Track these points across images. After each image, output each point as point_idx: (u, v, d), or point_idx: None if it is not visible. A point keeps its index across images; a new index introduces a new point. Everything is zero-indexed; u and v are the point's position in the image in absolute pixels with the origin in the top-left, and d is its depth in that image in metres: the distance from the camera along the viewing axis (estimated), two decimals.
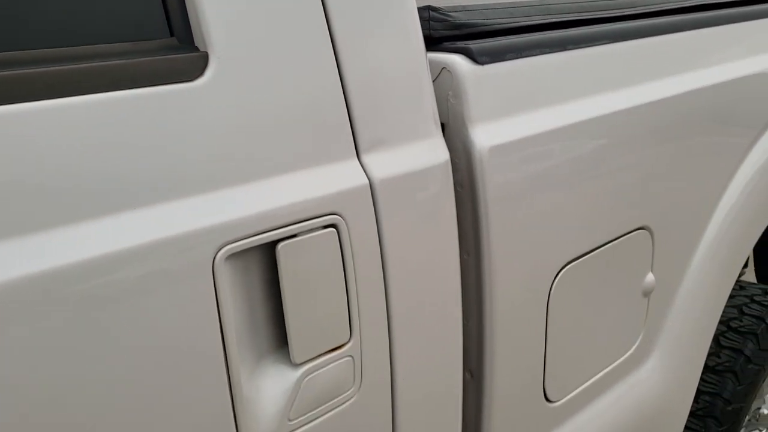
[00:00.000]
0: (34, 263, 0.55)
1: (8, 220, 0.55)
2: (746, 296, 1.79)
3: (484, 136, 0.92)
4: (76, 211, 0.58)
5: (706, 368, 1.62)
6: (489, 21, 1.02)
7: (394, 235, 0.80)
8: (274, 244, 0.70)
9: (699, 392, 1.60)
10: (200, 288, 0.64)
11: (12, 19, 0.59)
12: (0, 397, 0.54)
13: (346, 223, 0.75)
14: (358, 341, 0.78)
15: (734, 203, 1.40)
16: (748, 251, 1.49)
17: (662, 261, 1.24)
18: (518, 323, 1.01)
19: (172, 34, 0.67)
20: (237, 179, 0.67)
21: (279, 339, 0.73)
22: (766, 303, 1.76)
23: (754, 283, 1.88)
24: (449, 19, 0.99)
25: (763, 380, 1.72)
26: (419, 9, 1.00)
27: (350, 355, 0.77)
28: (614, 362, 1.20)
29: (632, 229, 1.15)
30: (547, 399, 1.09)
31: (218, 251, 0.65)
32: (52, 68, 0.59)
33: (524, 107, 0.98)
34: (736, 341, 1.67)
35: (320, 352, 0.74)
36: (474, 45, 0.94)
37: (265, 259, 0.71)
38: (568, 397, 1.12)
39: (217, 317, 0.66)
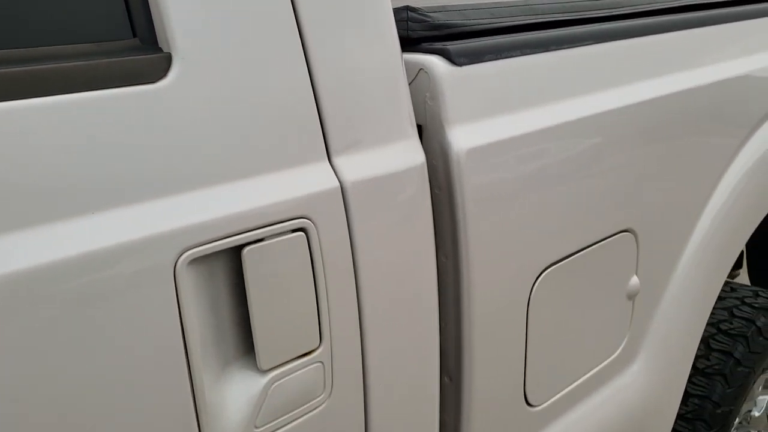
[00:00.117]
0: None
1: None
2: (737, 298, 1.78)
3: (461, 138, 0.91)
4: (31, 215, 0.57)
5: (696, 371, 1.61)
6: (469, 21, 1.01)
7: (366, 239, 0.79)
8: (240, 248, 0.69)
9: (688, 395, 1.59)
10: (161, 293, 0.63)
11: None
12: None
13: (316, 227, 0.73)
14: (329, 347, 0.77)
15: (722, 205, 1.39)
16: (736, 253, 1.48)
17: (647, 264, 1.23)
18: (497, 327, 1.00)
19: (134, 35, 0.66)
20: (200, 182, 0.66)
21: (246, 345, 0.72)
22: (756, 305, 1.75)
23: (745, 285, 1.86)
24: (428, 19, 0.97)
25: (753, 383, 1.71)
26: (397, 9, 0.99)
27: (320, 361, 0.76)
28: (598, 366, 1.19)
29: (615, 231, 1.14)
30: (528, 403, 1.08)
31: (180, 256, 0.64)
32: (8, 69, 0.58)
33: (504, 109, 0.97)
34: (725, 344, 1.65)
35: (288, 358, 0.73)
36: (452, 46, 0.93)
37: (231, 263, 0.70)
38: (550, 401, 1.11)
39: (179, 323, 0.65)
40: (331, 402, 0.78)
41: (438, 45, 0.94)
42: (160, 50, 0.66)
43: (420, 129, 0.93)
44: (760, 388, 1.87)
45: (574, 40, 1.06)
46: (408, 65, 0.93)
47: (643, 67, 1.15)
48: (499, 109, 0.96)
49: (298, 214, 0.72)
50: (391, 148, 0.84)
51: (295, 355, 0.74)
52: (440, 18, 0.98)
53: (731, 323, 1.70)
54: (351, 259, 0.78)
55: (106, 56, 0.63)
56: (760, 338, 1.69)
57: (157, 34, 0.66)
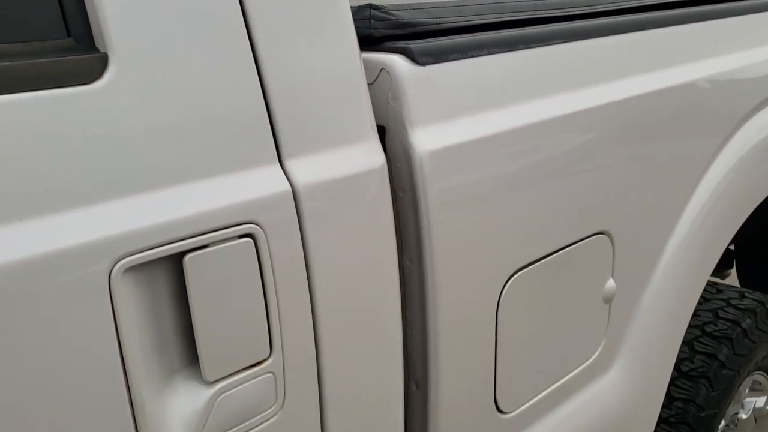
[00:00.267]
0: None
1: None
2: (722, 299, 1.76)
3: (424, 139, 0.89)
4: None
5: (679, 373, 1.58)
6: (435, 20, 0.99)
7: (322, 244, 0.77)
8: (183, 255, 0.66)
9: (672, 398, 1.57)
10: (94, 304, 0.61)
11: None
12: None
13: (265, 233, 0.71)
14: (280, 357, 0.74)
15: (703, 205, 1.36)
16: (718, 254, 1.46)
17: (624, 266, 1.21)
18: (465, 332, 0.97)
19: (69, 35, 0.64)
20: (138, 187, 0.63)
21: (192, 355, 0.70)
22: (742, 307, 1.72)
23: (731, 286, 1.84)
24: (391, 17, 0.95)
25: (739, 385, 1.68)
26: (360, 7, 0.96)
27: (271, 372, 0.73)
28: (573, 371, 1.16)
29: (589, 234, 1.12)
30: (499, 410, 1.05)
31: (114, 264, 0.61)
32: None
33: (470, 109, 0.94)
34: (710, 346, 1.63)
35: (236, 369, 0.71)
36: (414, 45, 0.90)
37: (174, 271, 0.67)
38: (522, 408, 1.08)
39: (115, 335, 0.62)
40: (284, 414, 0.76)
41: (401, 44, 0.91)
42: (96, 50, 0.64)
43: (383, 130, 0.91)
44: (747, 391, 1.85)
45: (544, 38, 1.04)
46: (370, 65, 0.90)
47: (615, 66, 1.13)
48: (464, 110, 0.94)
49: (245, 219, 0.69)
50: (348, 151, 0.81)
51: (243, 366, 0.71)
52: (404, 16, 0.96)
53: (716, 325, 1.68)
54: (304, 266, 0.75)
55: (38, 56, 0.61)
56: (746, 340, 1.67)
57: (93, 33, 0.64)
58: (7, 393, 0.57)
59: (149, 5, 0.65)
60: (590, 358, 1.20)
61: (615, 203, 1.15)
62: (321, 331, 0.78)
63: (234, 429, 0.72)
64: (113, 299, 0.61)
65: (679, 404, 1.57)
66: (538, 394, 1.10)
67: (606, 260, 1.17)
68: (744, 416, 1.86)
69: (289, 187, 0.73)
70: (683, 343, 1.60)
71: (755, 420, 1.89)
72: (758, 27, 1.50)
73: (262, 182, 0.71)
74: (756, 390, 1.89)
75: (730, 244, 2.26)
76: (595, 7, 1.17)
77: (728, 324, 1.67)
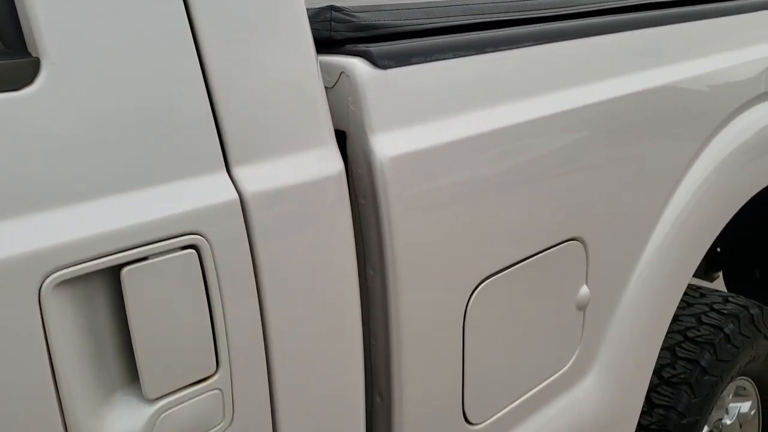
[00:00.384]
0: None
1: None
2: (706, 304, 1.73)
3: (385, 145, 0.86)
4: None
5: (661, 380, 1.56)
6: (399, 22, 0.96)
7: (273, 255, 0.74)
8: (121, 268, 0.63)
9: (652, 405, 1.55)
10: (23, 320, 0.58)
11: None
12: None
13: (210, 243, 0.68)
14: (228, 372, 0.71)
15: (681, 210, 1.34)
16: (698, 259, 1.43)
17: (598, 273, 1.18)
18: (430, 342, 0.95)
19: None
20: (71, 198, 0.61)
21: (133, 372, 0.67)
22: (725, 311, 1.70)
23: (716, 290, 1.82)
24: (353, 19, 0.92)
25: (721, 391, 1.66)
26: (321, 9, 0.94)
27: (218, 388, 0.71)
28: (546, 380, 1.14)
29: (561, 240, 1.09)
30: (467, 421, 1.03)
31: (45, 279, 0.58)
32: None
33: (434, 114, 0.92)
34: (692, 352, 1.61)
35: (179, 386, 0.68)
36: (375, 48, 0.88)
37: (113, 284, 0.65)
38: (493, 419, 1.06)
39: (46, 351, 0.59)
40: (233, 431, 0.73)
41: (362, 47, 0.89)
42: (28, 54, 0.61)
43: (344, 135, 0.88)
44: (731, 396, 1.83)
45: (513, 41, 1.01)
46: (330, 68, 0.88)
47: (588, 69, 1.10)
48: (428, 115, 0.91)
49: (188, 230, 0.67)
50: (303, 157, 0.78)
51: (187, 383, 0.69)
52: (367, 18, 0.93)
53: (699, 330, 1.65)
54: (254, 278, 0.72)
55: None
56: (728, 345, 1.64)
57: (24, 36, 0.61)
58: None
59: (84, 6, 0.63)
60: (564, 366, 1.17)
61: (588, 209, 1.12)
62: (273, 345, 0.75)
63: None
64: (43, 314, 0.59)
65: (660, 411, 1.54)
66: (509, 405, 1.08)
67: (579, 267, 1.14)
68: (728, 422, 1.84)
69: (237, 196, 0.71)
70: (665, 348, 1.58)
71: (740, 425, 1.87)
72: (741, 29, 1.48)
73: (207, 191, 0.69)
74: (741, 395, 1.87)
75: (717, 246, 2.24)
76: (567, 9, 1.14)
77: (711, 329, 1.65)
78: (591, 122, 1.09)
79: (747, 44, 1.47)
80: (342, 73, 0.87)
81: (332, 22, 0.92)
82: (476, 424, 1.04)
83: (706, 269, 2.39)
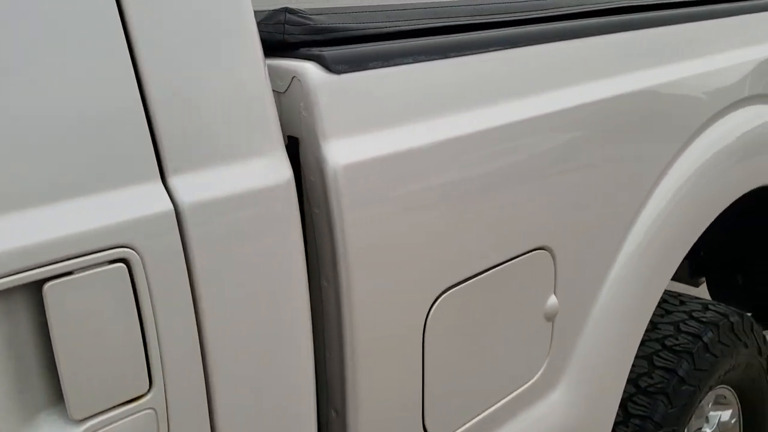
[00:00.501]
0: None
1: None
2: (685, 312, 1.71)
3: (338, 152, 0.83)
4: None
5: (637, 389, 1.53)
6: (357, 25, 0.93)
7: (212, 268, 0.71)
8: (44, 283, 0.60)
9: (629, 415, 1.52)
10: None
11: None
12: None
13: (141, 257, 0.65)
14: (162, 391, 0.68)
15: (656, 218, 1.31)
16: (674, 267, 1.40)
17: (567, 282, 1.15)
18: (387, 355, 0.92)
19: None
20: None
21: (58, 392, 0.64)
22: (704, 319, 1.68)
23: (696, 298, 1.79)
24: (308, 22, 0.89)
25: (699, 401, 1.64)
26: (275, 11, 0.91)
27: (151, 408, 0.68)
28: (512, 393, 1.11)
29: (528, 250, 1.06)
30: None
31: None
32: None
33: (391, 121, 0.89)
34: (670, 360, 1.58)
35: (108, 406, 0.65)
36: (328, 52, 0.85)
37: (36, 299, 0.61)
38: None
39: None
40: None
41: (315, 51, 0.86)
42: None
43: (297, 142, 0.85)
44: (710, 404, 1.80)
45: (477, 46, 0.98)
46: (282, 73, 0.85)
47: (556, 73, 1.08)
48: (385, 122, 0.88)
49: (118, 242, 0.64)
50: (248, 164, 0.75)
51: (117, 402, 0.65)
52: (323, 21, 0.90)
53: (677, 339, 1.63)
54: (190, 293, 0.69)
55: None
56: (707, 354, 1.62)
57: None
58: None
59: (5, 8, 0.59)
60: (532, 378, 1.14)
61: (556, 217, 1.10)
62: (212, 362, 0.72)
63: None
64: None
65: (636, 421, 1.52)
66: (472, 419, 1.05)
67: (547, 276, 1.12)
68: (709, 431, 1.82)
69: (172, 207, 0.67)
70: (642, 357, 1.55)
71: None
72: (722, 33, 1.46)
73: (139, 201, 0.66)
74: (721, 404, 1.85)
75: (700, 251, 2.22)
76: (534, 13, 1.11)
77: (689, 338, 1.62)
78: (559, 129, 1.06)
79: (727, 48, 1.45)
80: (294, 77, 0.84)
81: (286, 25, 0.89)
82: None
83: (690, 274, 2.36)
